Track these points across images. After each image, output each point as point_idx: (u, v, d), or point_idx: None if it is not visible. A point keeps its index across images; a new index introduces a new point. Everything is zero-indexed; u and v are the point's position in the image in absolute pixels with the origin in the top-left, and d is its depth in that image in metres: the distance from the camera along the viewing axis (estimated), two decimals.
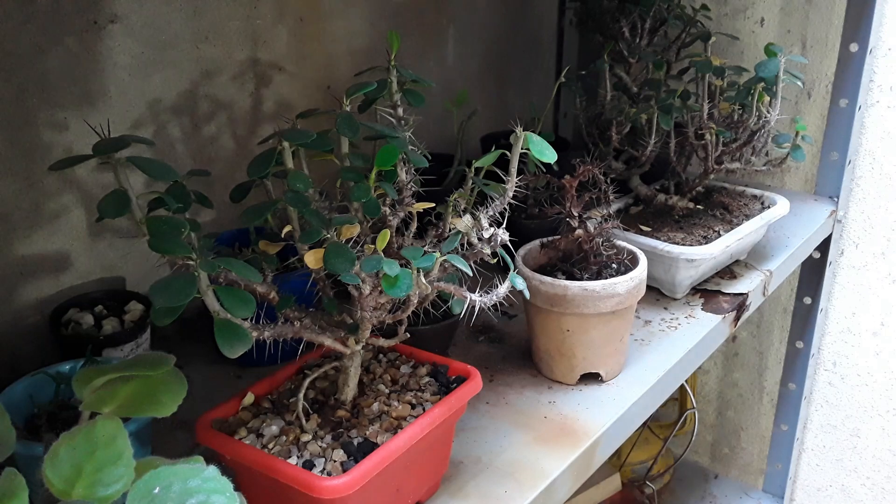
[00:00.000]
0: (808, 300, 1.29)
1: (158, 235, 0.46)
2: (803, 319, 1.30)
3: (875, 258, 1.25)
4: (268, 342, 0.52)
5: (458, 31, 1.17)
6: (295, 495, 0.51)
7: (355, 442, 0.55)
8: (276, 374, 0.62)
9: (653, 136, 0.97)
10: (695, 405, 1.32)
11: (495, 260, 0.57)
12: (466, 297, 0.54)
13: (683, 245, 0.89)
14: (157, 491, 0.38)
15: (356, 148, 0.58)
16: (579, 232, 0.72)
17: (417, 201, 0.59)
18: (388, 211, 0.58)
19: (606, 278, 0.72)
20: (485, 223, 0.57)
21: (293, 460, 0.53)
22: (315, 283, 0.58)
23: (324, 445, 0.55)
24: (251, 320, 0.50)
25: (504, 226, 0.57)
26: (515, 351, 0.83)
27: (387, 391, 0.61)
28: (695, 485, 1.46)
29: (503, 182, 0.57)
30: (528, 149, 0.55)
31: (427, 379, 0.62)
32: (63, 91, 0.74)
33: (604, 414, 0.72)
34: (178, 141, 0.85)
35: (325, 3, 0.96)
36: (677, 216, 0.99)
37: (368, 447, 0.54)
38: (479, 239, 0.57)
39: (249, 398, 0.59)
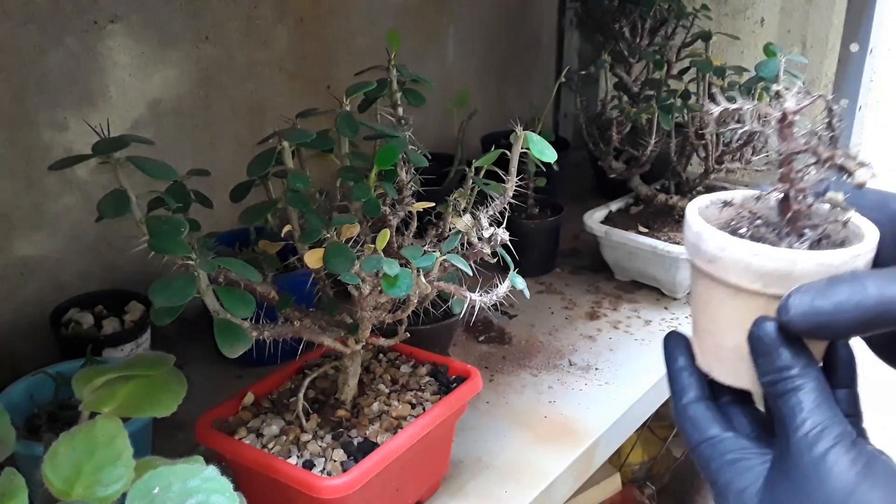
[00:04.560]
0: None
1: (158, 235, 0.45)
2: None
3: None
4: (268, 342, 0.52)
5: (458, 31, 1.17)
6: (295, 495, 0.51)
7: (355, 442, 0.55)
8: (276, 373, 0.62)
9: (653, 136, 0.97)
10: None
11: (495, 259, 0.57)
12: (466, 297, 0.54)
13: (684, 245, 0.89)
14: (156, 491, 0.38)
15: (356, 147, 0.58)
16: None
17: (417, 201, 0.59)
18: (388, 210, 0.57)
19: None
20: (485, 223, 0.56)
21: (293, 460, 0.53)
22: (315, 283, 0.58)
23: (324, 445, 0.55)
24: (251, 320, 0.50)
25: (504, 225, 0.57)
26: (515, 351, 0.83)
27: (387, 391, 0.61)
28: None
29: (503, 182, 0.57)
30: (528, 148, 0.55)
31: (427, 378, 0.62)
32: (63, 91, 0.74)
33: (604, 414, 0.72)
34: (178, 141, 0.85)
35: (325, 3, 0.96)
36: (678, 216, 0.99)
37: (368, 447, 0.54)
38: (479, 238, 0.56)
39: (249, 398, 0.59)
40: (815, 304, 0.32)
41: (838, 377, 0.40)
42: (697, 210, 0.41)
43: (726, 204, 0.44)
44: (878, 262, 0.37)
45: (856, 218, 0.39)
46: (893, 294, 0.31)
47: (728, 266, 0.38)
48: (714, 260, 0.38)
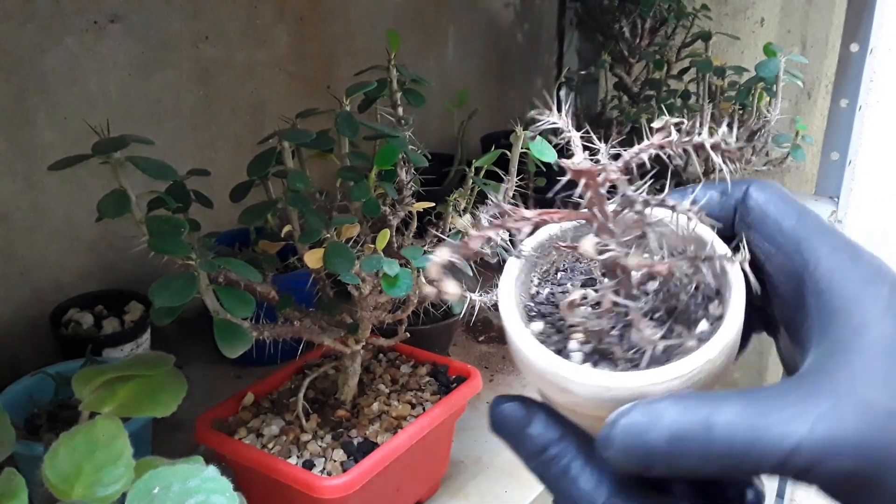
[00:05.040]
0: None
1: (158, 235, 0.45)
2: None
3: None
4: (267, 342, 0.52)
5: (458, 31, 1.17)
6: (295, 495, 0.51)
7: (355, 442, 0.55)
8: (276, 373, 0.62)
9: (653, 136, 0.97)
10: None
11: (495, 260, 0.57)
12: (466, 297, 0.54)
13: None
14: (156, 491, 0.38)
15: (356, 147, 0.58)
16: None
17: (417, 201, 0.59)
18: (387, 210, 0.57)
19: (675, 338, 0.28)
20: (485, 223, 0.56)
21: (293, 460, 0.53)
22: (315, 283, 0.58)
23: (324, 445, 0.55)
24: (251, 320, 0.50)
25: None
26: None
27: (387, 391, 0.61)
28: None
29: (503, 182, 0.57)
30: (527, 148, 0.55)
31: (427, 378, 0.62)
32: (63, 91, 0.74)
33: None
34: (178, 141, 0.85)
35: (326, 3, 0.96)
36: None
37: (368, 447, 0.54)
38: None
39: (249, 398, 0.59)
40: (644, 439, 0.23)
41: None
42: (514, 280, 0.30)
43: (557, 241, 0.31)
44: (776, 316, 0.28)
45: (735, 293, 0.26)
46: (746, 442, 0.22)
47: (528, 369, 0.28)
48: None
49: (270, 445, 0.55)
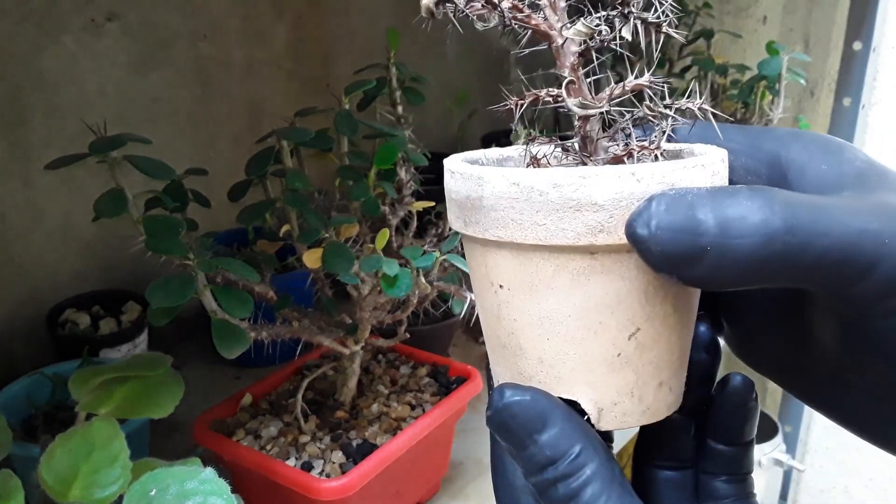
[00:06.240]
0: None
1: (155, 235, 0.45)
2: None
3: None
4: (266, 342, 0.52)
5: (458, 29, 1.17)
6: (293, 497, 0.50)
7: (354, 443, 0.54)
8: (275, 374, 0.62)
9: None
10: None
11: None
12: (466, 297, 0.53)
13: None
14: (153, 493, 0.38)
15: (355, 146, 0.57)
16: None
17: (417, 200, 0.58)
18: (387, 210, 0.57)
19: None
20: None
21: (291, 462, 0.53)
22: (314, 283, 0.58)
23: (322, 447, 0.54)
24: (249, 320, 0.50)
25: None
26: None
27: (386, 392, 0.60)
28: None
29: None
30: None
31: (427, 379, 0.62)
32: (60, 89, 0.73)
33: None
34: (176, 140, 0.84)
35: (325, 1, 0.95)
36: None
37: (367, 448, 0.53)
38: None
39: (247, 399, 0.59)
40: (693, 216, 0.19)
41: (721, 424, 0.26)
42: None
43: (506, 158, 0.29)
44: None
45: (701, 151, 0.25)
46: (816, 222, 0.18)
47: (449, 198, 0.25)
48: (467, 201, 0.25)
49: (269, 447, 0.54)
